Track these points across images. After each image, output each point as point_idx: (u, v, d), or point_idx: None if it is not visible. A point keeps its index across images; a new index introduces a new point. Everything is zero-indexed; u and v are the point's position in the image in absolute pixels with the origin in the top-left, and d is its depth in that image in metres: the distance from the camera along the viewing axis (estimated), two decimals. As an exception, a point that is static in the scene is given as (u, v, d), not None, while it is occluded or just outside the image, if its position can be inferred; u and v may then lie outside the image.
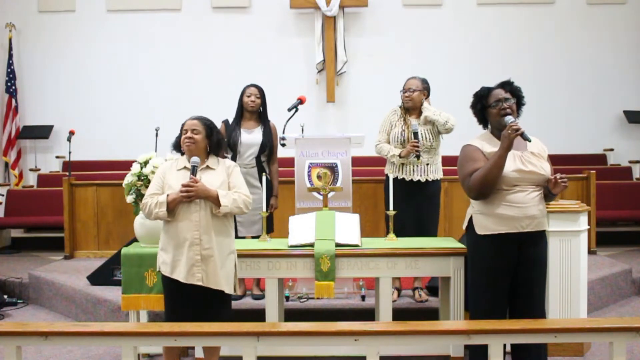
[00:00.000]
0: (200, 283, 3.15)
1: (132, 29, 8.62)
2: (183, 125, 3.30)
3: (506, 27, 8.50)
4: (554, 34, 8.50)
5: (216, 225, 3.19)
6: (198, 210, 3.16)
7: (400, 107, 4.49)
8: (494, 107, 3.16)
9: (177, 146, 3.33)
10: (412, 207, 4.30)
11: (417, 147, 4.24)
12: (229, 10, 8.64)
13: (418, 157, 4.25)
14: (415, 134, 4.27)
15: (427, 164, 4.36)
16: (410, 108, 4.42)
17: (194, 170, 3.15)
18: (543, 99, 8.07)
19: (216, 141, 3.31)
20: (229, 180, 3.27)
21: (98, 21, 8.64)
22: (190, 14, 8.65)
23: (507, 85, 3.22)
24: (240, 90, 4.60)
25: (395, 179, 4.26)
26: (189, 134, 3.22)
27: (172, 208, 3.15)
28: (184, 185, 3.11)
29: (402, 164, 4.36)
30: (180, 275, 3.16)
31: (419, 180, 4.36)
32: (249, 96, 4.52)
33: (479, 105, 3.24)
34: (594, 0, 8.50)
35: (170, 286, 3.23)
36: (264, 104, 4.58)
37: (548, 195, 3.18)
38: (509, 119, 3.07)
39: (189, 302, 3.20)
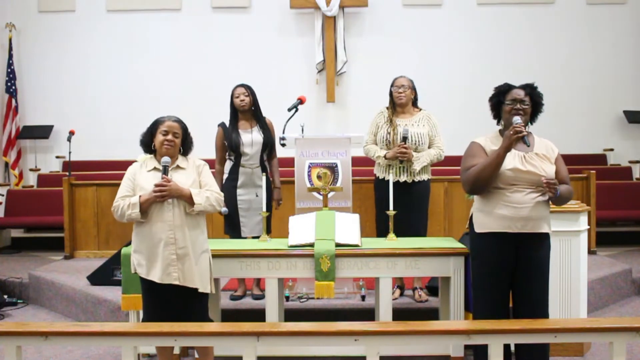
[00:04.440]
0: (177, 282, 3.14)
1: (132, 29, 8.60)
2: (159, 124, 3.23)
3: (506, 27, 8.49)
4: (554, 34, 8.49)
5: (189, 224, 3.19)
6: (171, 210, 3.15)
7: (387, 107, 4.47)
8: (508, 105, 3.18)
9: (148, 145, 3.27)
10: (400, 208, 4.27)
11: (406, 151, 4.22)
12: (229, 10, 8.63)
13: (402, 160, 4.25)
14: (405, 139, 4.25)
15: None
16: (402, 105, 4.40)
17: (165, 170, 3.15)
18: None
19: (189, 142, 3.34)
20: (200, 179, 3.28)
21: (98, 21, 8.63)
22: (190, 13, 8.63)
23: (527, 88, 3.23)
24: None
25: (383, 180, 4.25)
26: (170, 137, 3.20)
27: (145, 209, 3.15)
28: (156, 185, 3.10)
29: (389, 165, 4.35)
30: (155, 276, 3.15)
31: (405, 181, 4.36)
32: (237, 97, 4.53)
33: (495, 99, 3.26)
34: (594, 0, 8.50)
35: (147, 287, 3.22)
36: (255, 101, 4.58)
37: (554, 199, 3.14)
38: (517, 119, 3.08)
39: (166, 302, 3.19)
